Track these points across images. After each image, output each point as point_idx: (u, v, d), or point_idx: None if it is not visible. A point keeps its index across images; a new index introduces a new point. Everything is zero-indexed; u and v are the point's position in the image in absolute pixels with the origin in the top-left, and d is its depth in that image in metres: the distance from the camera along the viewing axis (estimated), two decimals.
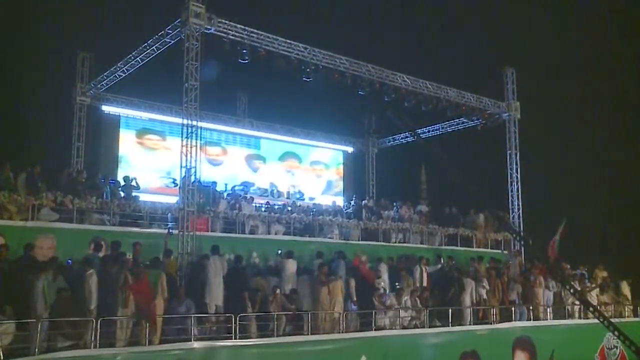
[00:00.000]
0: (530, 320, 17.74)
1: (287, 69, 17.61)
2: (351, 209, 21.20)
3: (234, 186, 20.73)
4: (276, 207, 19.43)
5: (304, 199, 22.97)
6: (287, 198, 22.48)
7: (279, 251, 15.64)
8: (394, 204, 21.65)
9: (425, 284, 16.52)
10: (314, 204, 22.28)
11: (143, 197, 17.01)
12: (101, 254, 12.63)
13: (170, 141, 20.91)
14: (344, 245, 17.51)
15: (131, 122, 21.04)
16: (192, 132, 15.03)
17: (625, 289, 21.11)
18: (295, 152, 25.08)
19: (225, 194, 18.52)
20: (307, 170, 25.47)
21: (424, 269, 16.82)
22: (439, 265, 18.00)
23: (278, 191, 23.02)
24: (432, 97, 20.64)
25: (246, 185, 22.11)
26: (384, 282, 15.68)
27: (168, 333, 11.31)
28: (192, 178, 14.81)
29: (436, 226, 20.81)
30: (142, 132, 21.22)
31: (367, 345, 13.61)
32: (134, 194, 16.46)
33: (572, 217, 21.50)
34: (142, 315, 10.74)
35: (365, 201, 22.15)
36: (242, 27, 16.51)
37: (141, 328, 10.86)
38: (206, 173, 20.28)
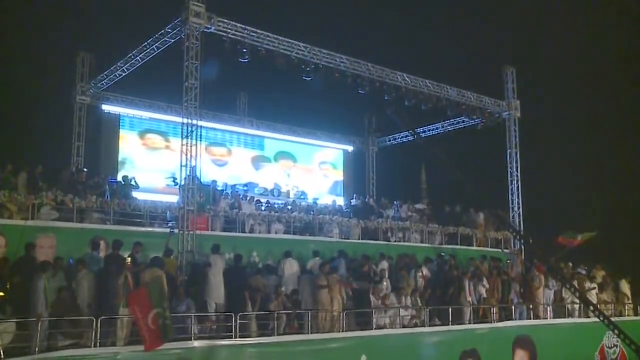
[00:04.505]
0: (530, 319, 17.76)
1: (287, 68, 17.60)
2: (356, 204, 21.22)
3: (234, 185, 20.74)
4: (276, 205, 19.44)
5: (306, 199, 22.94)
6: (288, 197, 22.49)
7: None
8: (394, 203, 21.66)
9: (422, 286, 16.42)
10: (314, 202, 22.27)
11: (145, 197, 17.04)
12: (99, 253, 12.65)
13: (174, 142, 20.93)
14: (344, 244, 17.52)
15: (135, 123, 21.07)
16: (192, 131, 15.03)
17: (625, 287, 21.13)
18: (290, 151, 24.97)
19: (225, 193, 18.50)
20: (312, 171, 25.48)
21: (419, 273, 16.69)
22: (436, 264, 18.00)
23: (280, 191, 23.00)
24: (432, 96, 20.63)
25: (250, 186, 22.13)
26: (386, 282, 15.67)
27: None
28: (193, 177, 14.82)
29: (436, 225, 20.82)
30: (144, 133, 21.24)
31: (367, 345, 13.62)
32: (133, 193, 16.47)
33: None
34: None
35: (366, 199, 22.18)
36: (242, 26, 16.50)
37: None
38: (211, 174, 20.34)
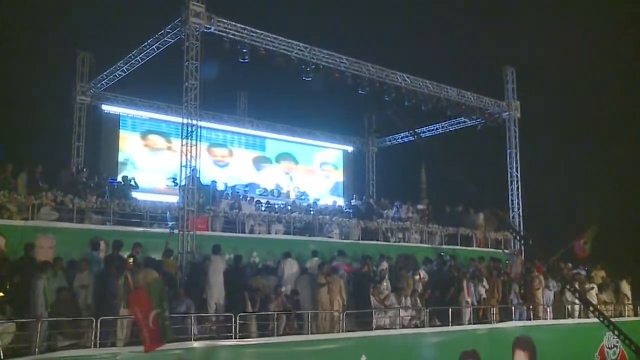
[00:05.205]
0: (530, 319, 17.76)
1: (287, 68, 17.58)
2: (356, 204, 21.21)
3: (235, 186, 20.72)
4: (276, 206, 19.43)
5: (307, 200, 22.92)
6: (288, 198, 22.47)
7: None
8: (394, 203, 21.66)
9: (420, 288, 16.37)
10: (314, 203, 22.26)
11: (145, 197, 17.01)
12: (99, 254, 12.64)
13: (175, 142, 20.87)
14: (344, 245, 17.51)
15: (136, 124, 21.08)
16: (192, 132, 15.03)
17: (625, 288, 21.13)
18: (291, 152, 24.99)
19: (225, 194, 18.50)
20: (313, 172, 25.48)
21: (417, 276, 16.64)
22: (436, 264, 17.98)
23: (280, 192, 22.98)
24: (432, 97, 20.62)
25: (251, 187, 22.11)
26: (386, 282, 15.66)
27: None
28: (193, 178, 14.82)
29: (436, 225, 20.82)
30: (146, 134, 21.25)
31: (367, 345, 13.62)
32: (133, 193, 16.45)
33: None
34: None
35: (366, 200, 22.17)
36: (242, 26, 16.50)
37: None
38: (213, 175, 20.32)
